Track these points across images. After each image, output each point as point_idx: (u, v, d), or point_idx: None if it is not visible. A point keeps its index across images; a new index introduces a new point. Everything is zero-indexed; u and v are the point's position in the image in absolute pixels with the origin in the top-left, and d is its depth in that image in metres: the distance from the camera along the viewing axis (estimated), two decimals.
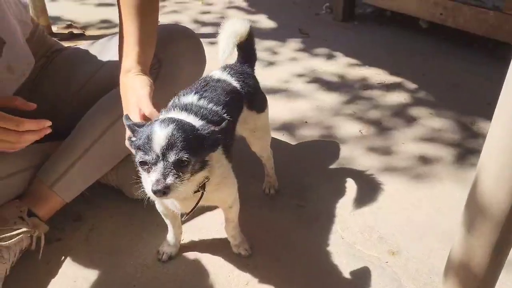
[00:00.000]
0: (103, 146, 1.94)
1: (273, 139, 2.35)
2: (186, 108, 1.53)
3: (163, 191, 1.27)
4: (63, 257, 1.87)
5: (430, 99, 2.90)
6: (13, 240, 1.73)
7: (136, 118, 1.52)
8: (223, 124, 1.39)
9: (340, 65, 3.31)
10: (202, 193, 1.48)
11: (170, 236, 1.85)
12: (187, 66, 2.01)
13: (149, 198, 1.93)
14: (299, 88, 3.04)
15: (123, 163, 2.04)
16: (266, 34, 3.76)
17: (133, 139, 1.37)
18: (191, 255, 1.88)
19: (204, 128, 1.37)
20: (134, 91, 1.60)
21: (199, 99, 1.59)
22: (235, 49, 1.87)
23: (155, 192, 1.27)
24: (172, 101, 1.62)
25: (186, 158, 1.29)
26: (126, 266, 1.83)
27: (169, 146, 1.28)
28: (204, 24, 3.97)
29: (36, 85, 2.16)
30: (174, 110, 1.53)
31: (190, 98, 1.60)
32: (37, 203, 1.89)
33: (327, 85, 3.07)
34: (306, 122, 2.69)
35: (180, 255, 1.87)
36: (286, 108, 2.82)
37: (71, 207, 2.03)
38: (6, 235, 1.72)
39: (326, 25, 3.91)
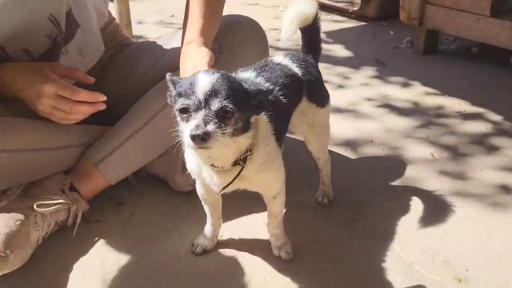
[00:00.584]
0: (152, 130, 1.89)
1: (334, 153, 2.19)
2: (241, 81, 1.45)
3: (202, 137, 1.14)
4: (97, 238, 1.80)
5: None
6: (49, 208, 1.69)
7: None
8: (271, 87, 1.30)
9: (415, 93, 3.09)
10: (242, 167, 1.35)
11: (207, 228, 1.72)
12: (249, 55, 1.94)
13: (193, 189, 1.86)
14: (368, 110, 2.86)
15: (171, 152, 1.97)
16: (340, 61, 3.65)
17: (173, 88, 1.29)
18: (227, 252, 1.72)
19: (251, 86, 1.27)
20: (192, 59, 1.55)
21: (257, 76, 1.52)
22: (300, 36, 1.80)
23: (193, 138, 1.15)
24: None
25: (230, 108, 1.18)
26: (157, 254, 1.72)
27: (214, 92, 1.18)
28: (277, 48, 3.96)
29: (102, 73, 2.20)
30: None
31: (248, 74, 1.53)
32: (81, 179, 1.86)
33: (399, 110, 2.86)
34: (372, 141, 2.50)
35: (215, 251, 1.73)
36: (352, 127, 2.64)
37: (114, 192, 2.00)
38: (44, 202, 1.69)
39: (405, 58, 3.72)
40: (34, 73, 1.63)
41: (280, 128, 1.50)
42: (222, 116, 1.19)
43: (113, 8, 2.93)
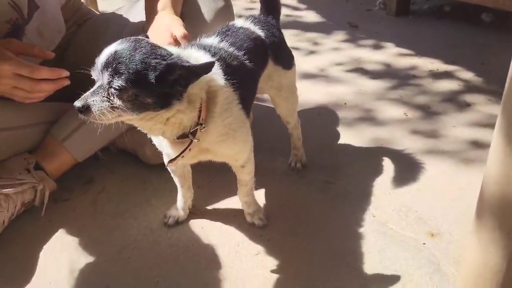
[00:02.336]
0: None
1: (306, 117, 2.16)
2: (204, 48, 1.39)
3: (79, 109, 1.14)
4: (66, 217, 1.76)
5: (489, 86, 2.59)
6: (13, 189, 1.63)
7: (166, 42, 1.42)
8: (204, 63, 1.20)
9: (388, 55, 3.06)
10: (191, 141, 1.31)
11: (179, 199, 1.69)
12: (211, 20, 1.87)
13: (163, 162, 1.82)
14: (340, 74, 2.83)
15: None
16: (312, 26, 3.59)
17: None
18: (199, 222, 1.70)
19: (173, 60, 1.17)
20: (166, 17, 1.55)
21: (220, 41, 1.46)
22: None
23: (76, 106, 1.15)
24: (193, 42, 1.50)
25: (119, 84, 1.12)
26: (128, 228, 1.68)
27: (108, 66, 1.14)
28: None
29: (64, 50, 2.11)
30: (191, 48, 1.39)
31: (211, 40, 1.48)
32: (47, 157, 1.80)
33: (371, 73, 2.83)
34: (345, 104, 2.47)
35: (187, 221, 1.70)
36: (324, 92, 2.61)
37: (83, 170, 1.94)
38: (7, 183, 1.63)
39: (378, 20, 3.68)
40: None
41: (246, 96, 1.45)
42: (114, 90, 1.14)
43: None
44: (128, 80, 1.12)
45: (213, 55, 1.38)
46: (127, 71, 1.13)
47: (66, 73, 1.62)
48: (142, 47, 1.17)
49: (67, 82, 1.64)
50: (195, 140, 1.31)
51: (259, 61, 1.58)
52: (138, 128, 1.34)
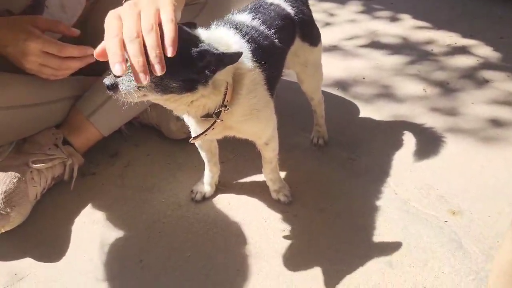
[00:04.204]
0: None
1: (325, 93, 2.16)
2: (236, 27, 1.39)
3: (108, 86, 1.15)
4: (95, 190, 1.80)
5: (508, 63, 2.58)
6: (45, 164, 1.67)
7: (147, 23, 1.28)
8: (231, 53, 1.18)
9: (404, 27, 3.04)
10: (215, 121, 1.33)
11: (206, 175, 1.72)
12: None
13: (188, 137, 1.84)
14: (357, 48, 2.82)
15: None
16: None
17: None
18: (226, 197, 1.74)
19: (203, 47, 1.15)
20: None
21: (252, 19, 1.45)
22: None
23: (105, 84, 1.16)
24: (225, 16, 1.49)
25: None
26: (157, 203, 1.72)
27: None
28: None
29: (82, 23, 2.09)
30: (223, 26, 1.39)
31: (243, 17, 1.46)
32: (73, 132, 1.83)
33: (388, 47, 2.82)
34: (363, 78, 2.48)
35: (214, 197, 1.74)
36: (341, 66, 2.61)
37: (108, 144, 1.97)
38: (39, 158, 1.67)
39: None
40: (15, 29, 1.54)
41: (273, 77, 1.45)
42: None
43: None
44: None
45: (245, 34, 1.38)
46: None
47: (91, 50, 1.62)
48: (178, 33, 1.16)
49: (92, 60, 1.65)
50: (219, 120, 1.33)
51: (287, 39, 1.58)
52: None
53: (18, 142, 1.74)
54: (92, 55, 1.62)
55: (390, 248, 1.52)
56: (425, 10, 3.23)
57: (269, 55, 1.41)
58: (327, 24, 3.15)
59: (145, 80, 1.06)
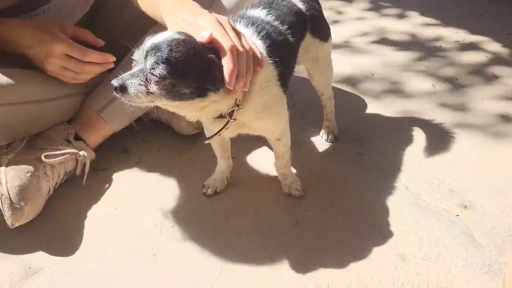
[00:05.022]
0: None
1: (335, 89, 2.16)
2: (252, 23, 1.39)
3: (117, 88, 1.15)
4: (107, 185, 1.81)
5: None
6: (57, 159, 1.68)
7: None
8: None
9: (412, 24, 3.04)
10: (228, 121, 1.33)
11: (217, 169, 1.73)
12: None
13: (198, 132, 1.84)
14: (365, 45, 2.82)
15: None
16: None
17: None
18: (237, 191, 1.75)
19: (212, 62, 1.17)
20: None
21: (267, 14, 1.46)
22: None
23: (113, 85, 1.16)
24: (238, 12, 1.50)
25: (160, 72, 1.13)
26: (169, 198, 1.73)
27: (154, 53, 1.14)
28: None
29: (92, 17, 2.10)
30: (240, 22, 1.39)
31: (258, 12, 1.47)
32: (85, 128, 1.84)
33: (397, 43, 2.82)
34: (372, 75, 2.48)
35: (226, 191, 1.75)
36: (350, 63, 2.61)
37: (119, 141, 1.98)
38: (51, 153, 1.68)
39: None
40: (42, 31, 1.57)
41: (286, 73, 1.45)
42: (153, 76, 1.15)
43: None
44: (170, 71, 1.13)
45: (260, 31, 1.38)
46: (171, 61, 1.13)
47: (113, 58, 1.66)
48: (193, 42, 1.18)
49: (112, 66, 1.68)
50: (232, 120, 1.33)
51: (299, 35, 1.58)
52: None
53: (30, 138, 1.75)
54: (113, 62, 1.66)
55: (402, 241, 1.52)
56: (432, 7, 3.23)
57: (283, 51, 1.41)
58: (335, 21, 3.15)
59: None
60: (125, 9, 2.06)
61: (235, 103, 1.30)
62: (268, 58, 1.36)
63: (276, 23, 1.44)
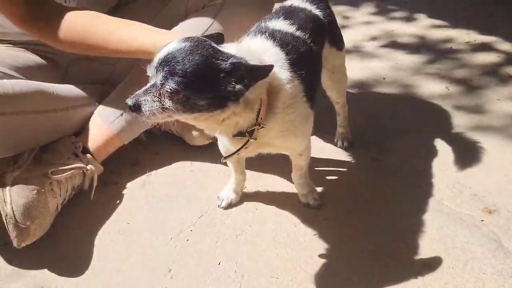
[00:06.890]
0: None
1: (347, 94, 2.11)
2: (273, 36, 1.32)
3: (131, 107, 1.12)
4: (118, 200, 1.76)
5: None
6: (64, 174, 1.63)
7: None
8: (261, 67, 1.14)
9: (421, 26, 3.00)
10: (248, 140, 1.27)
11: (232, 182, 1.68)
12: (251, 13, 1.80)
13: (209, 143, 1.79)
14: (374, 49, 2.78)
15: None
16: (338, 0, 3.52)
17: None
18: (253, 203, 1.70)
19: (233, 66, 1.10)
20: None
21: (289, 24, 1.40)
22: None
23: (127, 104, 1.13)
24: (257, 24, 1.44)
25: (171, 87, 1.09)
26: (183, 211, 1.68)
27: (163, 67, 1.10)
28: None
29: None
30: (259, 36, 1.33)
31: (279, 23, 1.40)
32: (93, 140, 1.80)
33: (406, 46, 2.78)
34: (383, 79, 2.43)
35: (241, 203, 1.70)
36: (360, 67, 2.57)
37: (129, 153, 1.94)
38: (58, 168, 1.63)
39: None
40: None
41: (312, 86, 1.37)
42: (165, 91, 1.10)
43: None
44: (181, 83, 1.08)
45: (284, 45, 1.31)
46: (181, 73, 1.09)
47: None
48: (202, 49, 1.12)
49: None
50: (252, 140, 1.27)
51: (320, 43, 1.52)
52: None
53: (37, 152, 1.70)
54: None
55: (427, 249, 1.46)
56: (440, 9, 3.19)
57: (308, 63, 1.35)
58: (343, 26, 3.10)
59: None
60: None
61: (256, 121, 1.24)
62: (292, 72, 1.27)
63: (298, 33, 1.38)
